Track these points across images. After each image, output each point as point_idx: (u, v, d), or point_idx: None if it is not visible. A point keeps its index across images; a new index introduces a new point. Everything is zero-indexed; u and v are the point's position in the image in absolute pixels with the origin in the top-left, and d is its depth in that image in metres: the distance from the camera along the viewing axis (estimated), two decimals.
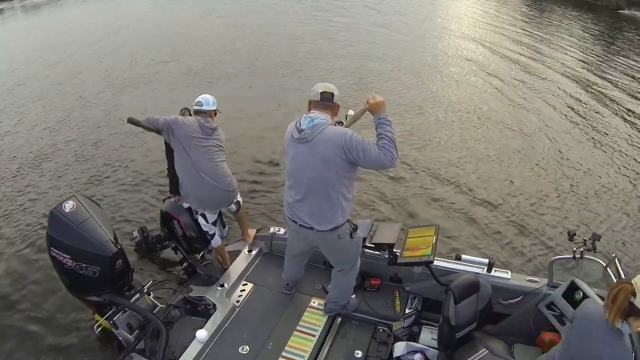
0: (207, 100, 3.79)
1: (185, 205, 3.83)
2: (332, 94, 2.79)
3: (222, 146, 3.80)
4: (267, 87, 9.72)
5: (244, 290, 3.67)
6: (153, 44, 13.50)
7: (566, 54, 12.23)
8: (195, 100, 3.80)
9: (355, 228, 3.00)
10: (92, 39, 14.45)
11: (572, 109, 8.75)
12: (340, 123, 2.95)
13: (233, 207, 3.98)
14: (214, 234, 3.85)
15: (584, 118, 8.38)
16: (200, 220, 3.79)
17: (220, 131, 3.79)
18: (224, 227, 4.04)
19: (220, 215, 3.95)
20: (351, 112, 3.01)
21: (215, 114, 3.87)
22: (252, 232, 4.18)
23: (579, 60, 11.87)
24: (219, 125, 3.81)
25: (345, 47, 12.54)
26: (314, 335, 3.25)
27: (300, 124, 2.75)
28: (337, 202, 2.79)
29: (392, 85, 9.63)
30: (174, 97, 9.12)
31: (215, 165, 3.69)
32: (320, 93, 2.77)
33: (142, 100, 9.23)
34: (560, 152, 7.09)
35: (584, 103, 9.03)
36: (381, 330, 3.30)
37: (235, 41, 13.43)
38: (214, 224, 3.84)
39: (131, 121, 3.63)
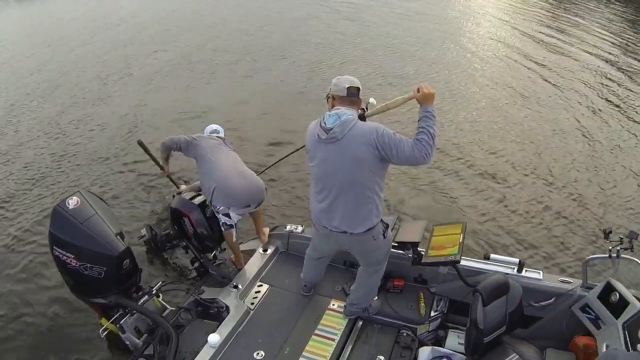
0: (220, 128, 4.21)
1: (197, 200, 3.79)
2: (358, 88, 2.75)
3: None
4: (275, 78, 9.64)
5: (259, 291, 3.64)
6: (152, 34, 13.45)
7: (599, 39, 11.96)
8: (210, 129, 4.16)
9: (387, 227, 2.96)
10: (88, 30, 14.44)
11: (608, 97, 8.57)
12: (362, 110, 2.86)
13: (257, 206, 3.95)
14: (233, 227, 3.80)
15: (619, 106, 8.22)
16: (222, 218, 3.70)
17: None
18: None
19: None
20: (372, 101, 2.91)
21: None
22: (266, 230, 4.14)
23: (613, 44, 11.63)
24: None
25: (360, 31, 12.38)
26: (333, 340, 3.21)
27: (325, 123, 2.65)
28: (371, 201, 2.75)
29: (415, 74, 9.49)
30: (176, 91, 9.12)
31: (244, 167, 3.78)
32: (347, 88, 2.71)
33: (143, 94, 9.20)
34: (593, 144, 6.95)
35: (621, 92, 8.84)
36: (405, 334, 3.25)
37: (240, 25, 13.39)
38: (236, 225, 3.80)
39: (141, 144, 4.27)
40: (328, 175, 2.74)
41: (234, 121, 7.49)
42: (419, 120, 2.63)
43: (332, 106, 2.77)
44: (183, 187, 4.75)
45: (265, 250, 3.98)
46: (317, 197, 2.88)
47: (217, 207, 3.65)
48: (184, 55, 11.19)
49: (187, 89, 9.27)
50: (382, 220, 2.90)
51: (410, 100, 2.77)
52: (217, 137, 3.97)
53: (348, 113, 2.64)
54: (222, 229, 3.75)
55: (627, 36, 12.55)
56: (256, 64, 10.39)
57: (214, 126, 4.21)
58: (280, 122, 7.49)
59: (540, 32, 12.50)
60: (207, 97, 8.68)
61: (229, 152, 3.83)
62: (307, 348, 3.15)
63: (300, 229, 4.00)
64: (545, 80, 9.32)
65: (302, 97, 8.53)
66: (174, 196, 4.01)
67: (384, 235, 2.92)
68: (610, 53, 11.06)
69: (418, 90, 2.65)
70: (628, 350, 2.57)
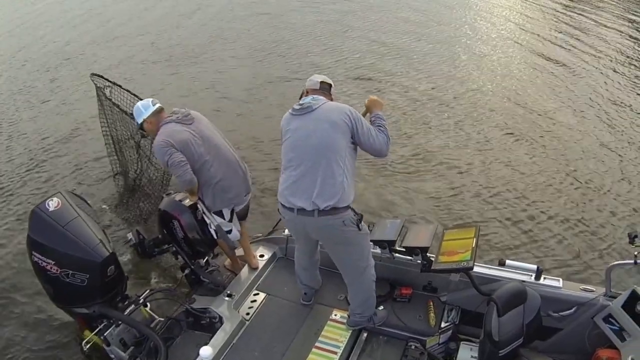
0: (153, 100, 3.66)
1: (188, 202, 3.74)
2: (330, 85, 3.19)
3: (208, 123, 3.72)
4: (261, 74, 9.54)
5: (255, 300, 3.64)
6: (129, 22, 13.50)
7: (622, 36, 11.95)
8: (147, 103, 3.63)
9: (361, 218, 3.01)
10: (67, 17, 14.41)
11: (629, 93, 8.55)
12: None
13: (247, 198, 3.89)
14: (230, 230, 3.76)
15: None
16: (217, 219, 3.67)
17: (194, 112, 3.69)
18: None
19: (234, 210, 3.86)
20: None
21: None
22: (255, 253, 4.04)
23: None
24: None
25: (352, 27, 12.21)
26: (335, 353, 3.19)
27: (300, 103, 3.02)
28: (341, 175, 2.87)
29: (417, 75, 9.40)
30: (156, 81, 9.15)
31: (219, 149, 3.63)
32: (320, 82, 3.14)
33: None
34: (621, 138, 6.90)
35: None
36: (413, 346, 3.23)
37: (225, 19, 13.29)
38: (230, 220, 3.75)
39: None
40: (301, 141, 2.94)
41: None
42: (372, 123, 3.09)
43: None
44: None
45: (261, 256, 3.97)
46: (284, 174, 3.02)
47: (216, 210, 3.63)
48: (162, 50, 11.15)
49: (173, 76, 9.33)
50: (353, 209, 2.96)
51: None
52: (158, 108, 3.58)
53: (321, 97, 3.04)
54: (216, 235, 3.71)
55: None
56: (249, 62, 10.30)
57: (148, 100, 3.64)
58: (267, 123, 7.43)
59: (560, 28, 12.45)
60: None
61: (201, 137, 3.53)
62: None
63: None
64: (571, 72, 9.30)
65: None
66: (162, 197, 3.98)
67: (358, 226, 2.95)
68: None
69: (368, 100, 3.22)
70: None
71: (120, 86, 4.97)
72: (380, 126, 3.04)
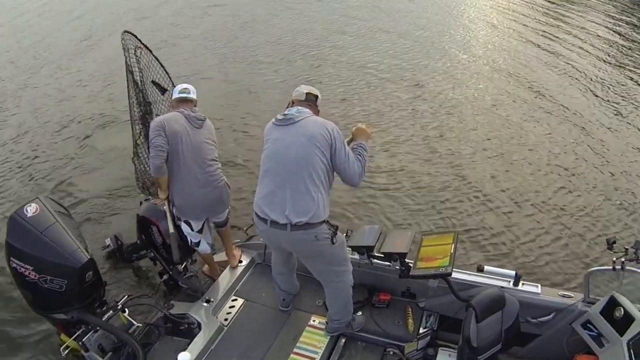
0: (192, 87, 3.79)
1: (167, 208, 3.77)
2: (317, 96, 3.17)
3: (214, 141, 3.78)
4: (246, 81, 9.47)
5: (233, 306, 3.66)
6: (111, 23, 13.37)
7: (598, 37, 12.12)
8: (180, 88, 3.76)
9: (336, 230, 3.02)
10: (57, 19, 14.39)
11: (611, 97, 8.66)
12: None
13: (223, 216, 3.94)
14: (199, 242, 3.81)
15: (625, 105, 8.30)
16: (184, 227, 3.74)
17: (209, 122, 3.78)
18: (210, 233, 3.99)
19: (207, 220, 3.88)
20: None
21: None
22: (237, 253, 4.12)
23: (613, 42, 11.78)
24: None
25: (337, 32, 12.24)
26: (314, 359, 3.22)
27: (284, 113, 3.01)
28: (317, 190, 2.87)
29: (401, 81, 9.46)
30: None
31: (209, 165, 3.66)
32: (306, 93, 3.13)
33: (104, 88, 9.11)
34: (597, 145, 6.99)
35: (623, 91, 8.94)
36: (391, 352, 3.27)
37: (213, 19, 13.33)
38: (200, 231, 3.79)
39: None
40: (278, 152, 2.95)
41: None
42: (353, 150, 3.07)
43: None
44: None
45: (240, 262, 3.99)
46: (261, 183, 3.03)
47: (176, 215, 3.68)
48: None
49: None
50: (328, 222, 2.97)
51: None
52: (187, 97, 3.70)
53: (306, 110, 3.03)
54: (192, 245, 3.79)
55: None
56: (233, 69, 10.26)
57: (185, 85, 3.81)
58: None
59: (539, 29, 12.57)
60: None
61: (195, 142, 3.59)
62: None
63: None
64: (551, 76, 9.42)
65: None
66: (141, 203, 4.01)
67: (332, 240, 2.95)
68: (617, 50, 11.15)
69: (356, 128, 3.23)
70: None
71: (150, 51, 4.63)
72: (360, 155, 3.04)
